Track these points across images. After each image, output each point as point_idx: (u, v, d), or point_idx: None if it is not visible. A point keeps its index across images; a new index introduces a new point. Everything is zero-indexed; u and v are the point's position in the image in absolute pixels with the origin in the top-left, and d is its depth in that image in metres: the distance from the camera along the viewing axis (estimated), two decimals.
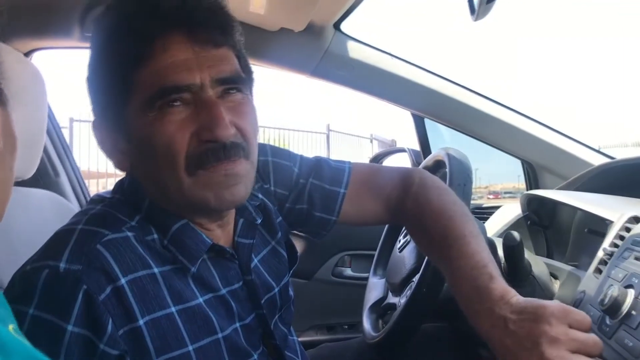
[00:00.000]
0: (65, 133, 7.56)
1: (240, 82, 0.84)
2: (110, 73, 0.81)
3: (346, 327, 2.24)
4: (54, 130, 2.02)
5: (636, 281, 0.90)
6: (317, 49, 1.85)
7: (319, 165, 1.10)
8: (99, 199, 0.88)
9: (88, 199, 2.17)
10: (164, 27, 0.78)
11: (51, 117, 1.98)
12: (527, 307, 0.75)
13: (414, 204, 1.04)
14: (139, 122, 0.79)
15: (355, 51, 1.89)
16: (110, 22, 0.81)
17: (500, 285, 0.81)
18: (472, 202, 1.27)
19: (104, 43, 0.82)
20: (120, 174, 0.91)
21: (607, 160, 1.83)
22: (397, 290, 1.36)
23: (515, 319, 0.75)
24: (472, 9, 1.04)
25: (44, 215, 1.35)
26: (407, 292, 1.26)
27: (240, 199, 0.84)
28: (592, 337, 0.72)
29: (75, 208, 1.78)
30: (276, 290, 0.98)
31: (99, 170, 8.38)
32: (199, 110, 0.79)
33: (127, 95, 0.79)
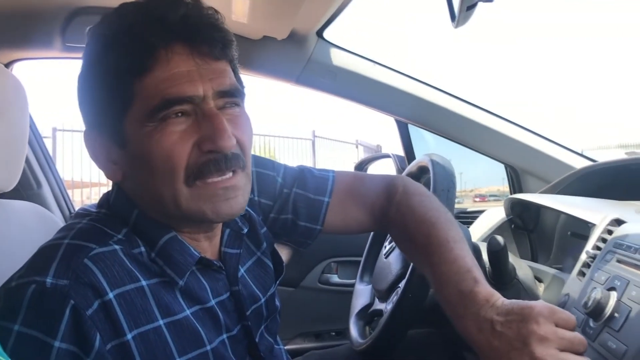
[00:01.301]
0: (48, 143, 7.49)
1: (238, 95, 0.84)
2: (108, 82, 0.80)
3: (334, 334, 2.23)
4: (35, 141, 2.00)
5: (618, 284, 0.91)
6: (300, 56, 1.86)
7: (302, 174, 1.10)
8: (85, 212, 0.87)
9: (71, 210, 2.15)
10: (168, 38, 0.78)
11: (33, 128, 1.96)
12: (514, 308, 0.76)
13: (397, 212, 1.04)
14: (138, 132, 0.79)
15: (338, 58, 1.90)
16: (110, 31, 0.80)
17: (484, 288, 0.81)
18: (457, 206, 1.27)
19: (101, 52, 0.81)
20: (105, 184, 0.90)
21: (589, 163, 1.85)
22: (384, 296, 1.36)
23: (502, 320, 0.75)
24: (452, 16, 1.05)
25: (26, 227, 1.33)
26: (394, 298, 1.26)
27: (237, 212, 0.84)
28: (579, 336, 0.73)
29: (59, 220, 1.76)
30: (262, 300, 0.98)
31: (82, 180, 8.31)
32: (200, 121, 0.79)
33: (126, 105, 0.79)
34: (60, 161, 7.85)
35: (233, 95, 0.83)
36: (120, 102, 0.79)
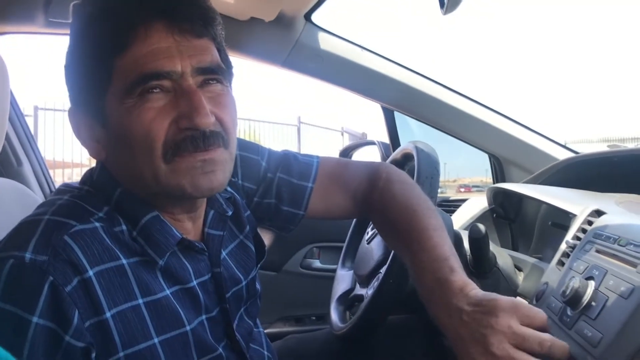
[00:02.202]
0: (30, 122, 7.39)
1: (220, 72, 0.83)
2: (89, 59, 0.80)
3: (314, 318, 2.24)
4: (16, 119, 1.98)
5: (597, 273, 0.92)
6: (287, 39, 1.85)
7: (287, 159, 1.10)
8: (67, 189, 0.87)
9: (52, 188, 2.13)
10: (147, 15, 0.78)
11: (14, 105, 1.93)
12: (482, 300, 0.77)
13: (379, 199, 1.05)
14: (118, 109, 0.78)
15: (326, 43, 1.88)
16: (92, 8, 0.80)
17: (460, 277, 0.82)
18: (440, 195, 1.28)
19: (84, 29, 0.81)
20: (87, 164, 0.90)
21: (572, 155, 1.86)
22: (365, 281, 1.36)
23: (469, 310, 0.77)
24: (441, 3, 1.05)
25: (5, 204, 1.32)
26: (375, 283, 1.26)
27: (217, 186, 0.83)
28: (537, 334, 0.73)
29: (39, 198, 1.74)
30: (243, 283, 0.98)
31: (64, 160, 8.22)
32: (178, 98, 0.78)
33: (106, 82, 0.79)
34: (42, 140, 7.76)
35: (214, 72, 0.82)
36: (101, 80, 0.79)
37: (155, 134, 0.77)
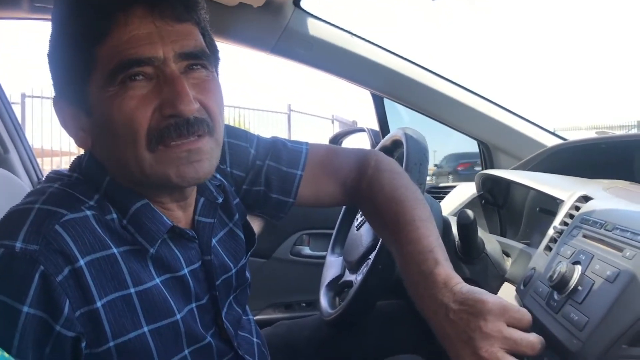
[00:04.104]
0: (17, 109, 7.32)
1: (204, 58, 0.82)
2: (71, 48, 0.79)
3: (304, 305, 2.25)
4: (2, 106, 1.96)
5: (583, 257, 0.93)
6: (276, 25, 1.83)
7: (275, 146, 1.09)
8: (56, 176, 0.86)
9: (40, 177, 2.11)
10: (125, 1, 0.77)
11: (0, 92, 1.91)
12: (468, 298, 0.77)
13: (368, 188, 1.05)
14: (100, 97, 0.77)
15: (315, 29, 1.87)
16: None
17: (444, 271, 0.82)
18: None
19: (65, 17, 0.80)
20: (76, 153, 0.89)
21: (560, 141, 1.87)
22: (354, 268, 1.37)
23: (455, 309, 0.77)
24: None
25: None
26: (364, 269, 1.27)
27: (204, 176, 0.82)
28: (527, 338, 0.74)
29: (26, 186, 1.73)
30: (233, 271, 0.98)
31: (52, 149, 8.16)
32: (161, 84, 0.77)
33: (88, 70, 0.78)
34: (30, 128, 7.69)
35: (198, 57, 0.81)
36: (82, 69, 0.78)
37: (139, 123, 0.76)
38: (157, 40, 0.77)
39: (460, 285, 0.80)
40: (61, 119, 0.84)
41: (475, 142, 2.09)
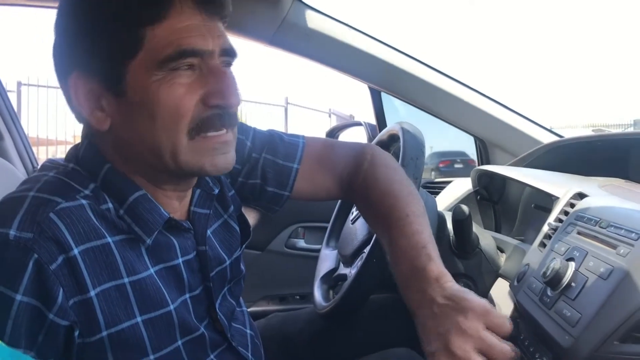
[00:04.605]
0: (13, 97, 7.28)
1: (235, 55, 0.85)
2: (115, 24, 0.77)
3: (298, 297, 2.25)
4: None
5: (577, 254, 0.93)
6: (274, 17, 1.82)
7: (272, 139, 1.09)
8: (52, 165, 0.85)
9: (35, 165, 2.10)
10: None
11: None
12: (455, 295, 0.77)
13: (363, 183, 1.05)
14: (143, 81, 0.77)
15: (313, 21, 1.86)
16: None
17: (437, 267, 0.83)
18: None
19: None
20: (71, 142, 0.88)
21: (557, 138, 1.87)
22: (349, 261, 1.37)
23: (441, 303, 0.77)
24: None
25: None
26: (358, 263, 1.27)
27: (230, 166, 0.85)
28: (502, 345, 0.73)
29: (21, 174, 1.72)
30: (227, 263, 0.98)
31: (48, 138, 8.13)
32: (205, 76, 0.79)
33: (131, 52, 0.77)
34: (25, 117, 7.65)
35: (234, 55, 0.84)
36: (127, 48, 0.77)
37: (185, 110, 0.78)
38: (207, 34, 0.79)
39: (452, 283, 0.80)
40: (73, 96, 0.81)
41: (463, 140, 2.09)
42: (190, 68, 0.79)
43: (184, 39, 0.77)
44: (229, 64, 0.85)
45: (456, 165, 6.51)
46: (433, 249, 0.86)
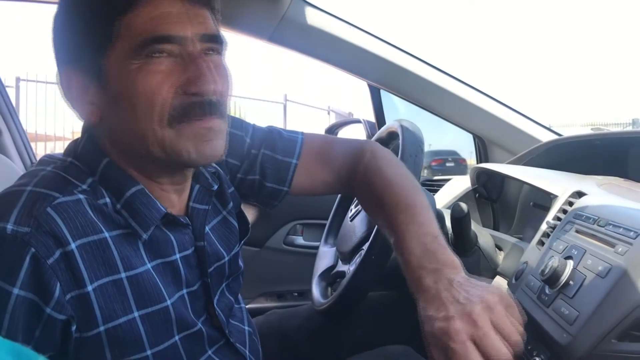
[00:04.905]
0: (11, 93, 7.27)
1: (220, 42, 0.83)
2: (92, 15, 0.78)
3: (296, 294, 2.25)
4: None
5: (575, 252, 0.94)
6: (274, 13, 1.81)
7: (271, 135, 1.09)
8: (49, 160, 0.85)
9: (34, 160, 2.10)
10: None
11: None
12: (478, 284, 0.75)
13: (365, 174, 1.04)
14: (122, 70, 0.77)
15: (313, 18, 1.86)
16: None
17: (452, 256, 0.81)
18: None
19: None
20: (70, 138, 0.88)
21: (556, 137, 1.87)
22: (347, 258, 1.37)
23: (462, 282, 0.75)
24: None
25: None
26: (357, 260, 1.27)
27: (218, 155, 0.83)
28: (504, 350, 0.70)
29: (19, 169, 1.72)
30: (226, 259, 0.98)
31: (47, 133, 8.12)
32: (185, 63, 0.78)
33: (110, 40, 0.77)
34: (24, 113, 7.64)
35: (216, 41, 0.82)
36: (103, 38, 0.77)
37: (162, 98, 0.77)
38: (185, 20, 0.78)
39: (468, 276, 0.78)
40: (66, 91, 0.83)
41: (462, 138, 2.09)
42: (170, 56, 0.78)
43: (158, 25, 0.76)
44: (217, 52, 0.83)
45: (447, 164, 6.60)
46: (444, 240, 0.84)
